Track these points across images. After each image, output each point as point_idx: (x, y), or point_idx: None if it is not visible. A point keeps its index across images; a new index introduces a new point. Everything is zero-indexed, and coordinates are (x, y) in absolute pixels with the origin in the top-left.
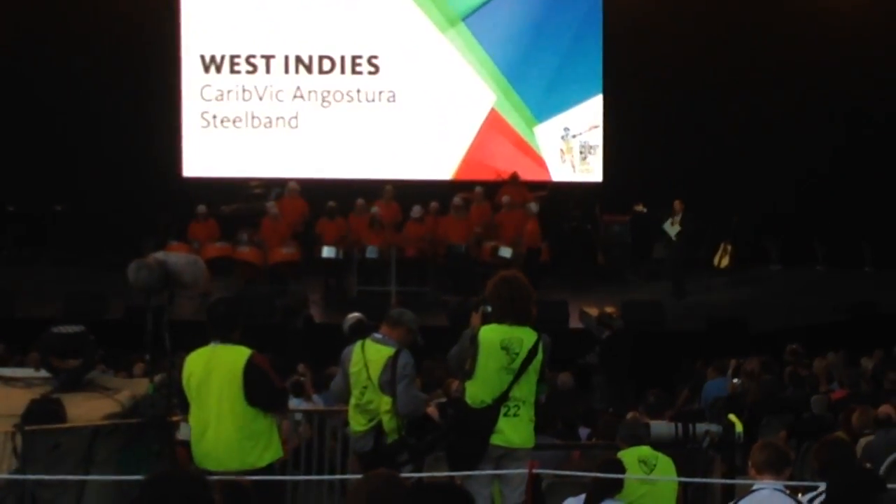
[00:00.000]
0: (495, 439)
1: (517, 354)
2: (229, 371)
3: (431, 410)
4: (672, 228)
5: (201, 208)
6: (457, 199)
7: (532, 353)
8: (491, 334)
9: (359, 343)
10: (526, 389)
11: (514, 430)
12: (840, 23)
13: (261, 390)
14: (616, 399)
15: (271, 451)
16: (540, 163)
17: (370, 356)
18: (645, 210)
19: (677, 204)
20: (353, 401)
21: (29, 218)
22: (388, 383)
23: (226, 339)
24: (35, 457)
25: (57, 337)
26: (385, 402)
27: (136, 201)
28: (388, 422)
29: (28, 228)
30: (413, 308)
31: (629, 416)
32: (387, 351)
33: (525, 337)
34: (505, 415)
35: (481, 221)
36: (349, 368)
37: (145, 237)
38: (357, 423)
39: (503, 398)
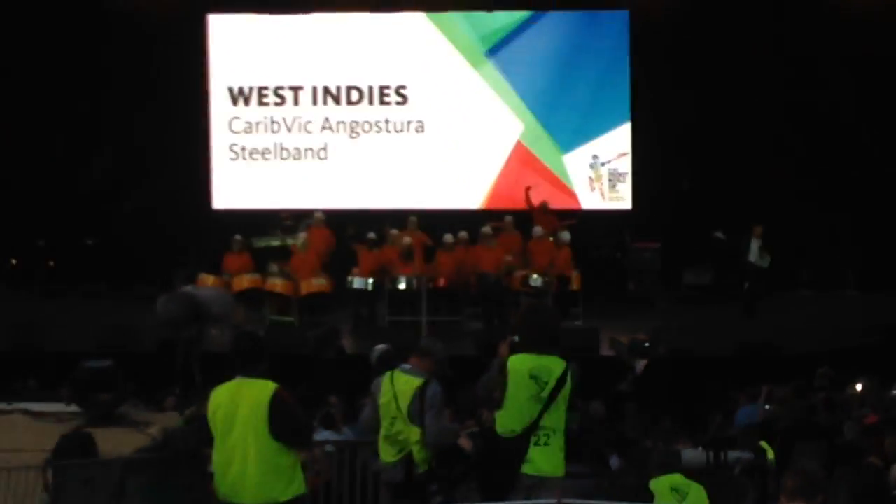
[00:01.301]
0: (526, 469)
1: (546, 383)
2: (255, 405)
3: (464, 442)
4: (762, 260)
5: (237, 238)
6: (486, 228)
7: (561, 381)
8: (520, 364)
9: (388, 374)
10: (556, 418)
11: (545, 459)
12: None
13: (286, 425)
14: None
15: (294, 486)
16: (569, 191)
17: (399, 387)
18: (723, 237)
19: (757, 229)
20: (382, 432)
21: (60, 252)
22: (418, 414)
23: (251, 373)
24: (66, 491)
25: (87, 371)
26: (414, 433)
27: (166, 234)
28: (417, 452)
29: (59, 262)
30: (444, 338)
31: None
32: (416, 382)
33: (554, 366)
34: (535, 444)
35: (512, 250)
36: (379, 399)
37: (176, 270)
38: (387, 455)
39: (533, 427)
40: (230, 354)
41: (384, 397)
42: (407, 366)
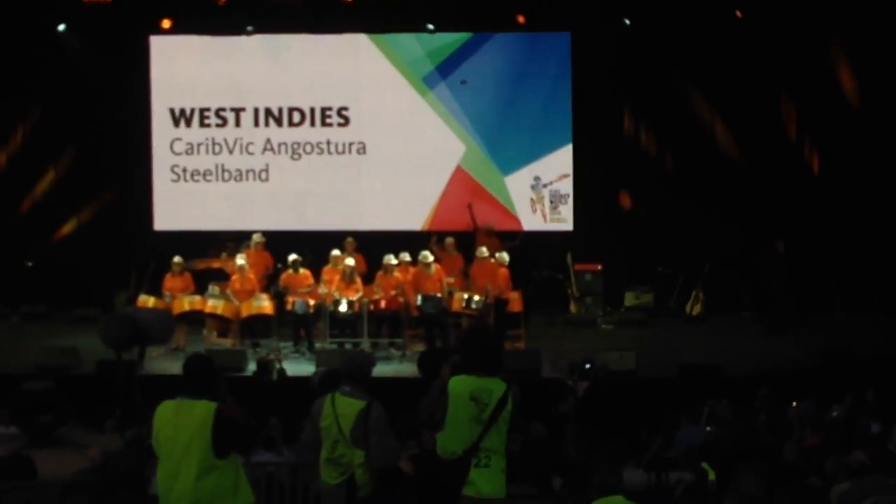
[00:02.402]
0: (467, 490)
1: (487, 405)
2: (198, 426)
3: (404, 464)
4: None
5: (177, 260)
6: (424, 253)
7: (502, 403)
8: (460, 385)
9: (329, 396)
10: (497, 440)
11: (486, 480)
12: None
13: (230, 442)
14: (590, 448)
15: (240, 499)
16: (510, 214)
17: (341, 409)
18: (783, 248)
19: (780, 246)
20: (324, 454)
21: None
22: (361, 437)
23: (193, 394)
24: None
25: (27, 393)
26: (358, 455)
27: (107, 255)
28: (360, 475)
29: None
30: (386, 360)
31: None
32: (358, 404)
33: (494, 387)
34: (476, 465)
35: (453, 272)
36: (319, 422)
37: (117, 291)
38: (329, 476)
39: (474, 449)
40: (181, 376)
41: (325, 420)
42: (346, 388)
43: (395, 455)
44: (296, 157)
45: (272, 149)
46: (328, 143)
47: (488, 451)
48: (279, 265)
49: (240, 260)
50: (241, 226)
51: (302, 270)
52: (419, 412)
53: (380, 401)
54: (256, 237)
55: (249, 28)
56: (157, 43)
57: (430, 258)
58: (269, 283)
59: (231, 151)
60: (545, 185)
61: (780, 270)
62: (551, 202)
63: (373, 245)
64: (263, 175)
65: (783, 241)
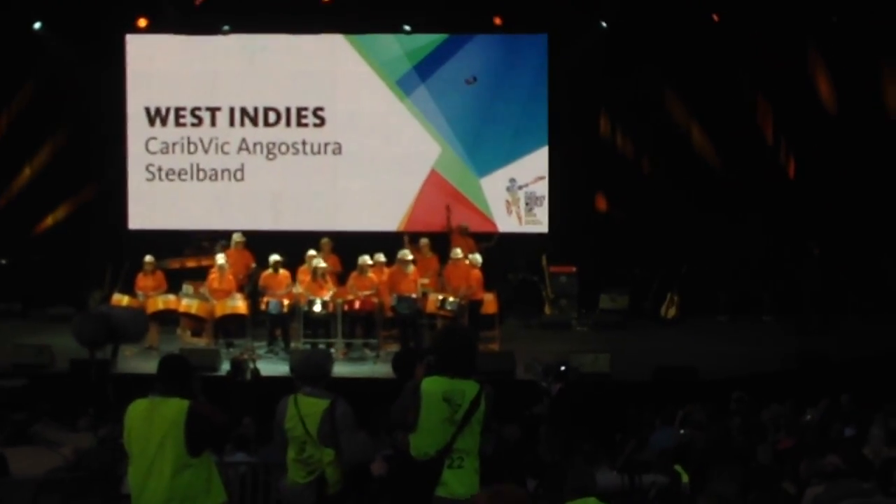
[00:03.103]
0: (440, 491)
1: (459, 406)
2: (171, 424)
3: (378, 465)
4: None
5: (148, 259)
6: (404, 252)
7: (475, 404)
8: (433, 386)
9: (291, 397)
10: (470, 441)
11: (459, 481)
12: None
13: (203, 439)
14: (563, 450)
15: (213, 497)
16: (485, 216)
17: (305, 410)
18: (818, 252)
19: (815, 249)
20: (292, 455)
21: None
22: (329, 435)
23: (168, 392)
24: None
25: (0, 391)
26: (328, 454)
27: (81, 254)
28: (331, 474)
29: None
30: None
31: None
32: (322, 403)
33: (467, 389)
34: (449, 466)
35: (428, 273)
36: (284, 424)
37: (91, 290)
38: (298, 476)
39: (447, 450)
40: (156, 374)
41: (289, 422)
42: (307, 388)
43: (368, 449)
44: (271, 157)
45: (247, 148)
46: (304, 143)
47: (461, 452)
48: (254, 265)
49: (220, 259)
50: (215, 225)
51: (282, 271)
52: (391, 415)
53: (352, 401)
54: (236, 237)
55: (226, 28)
56: (133, 41)
57: (410, 256)
58: (248, 282)
59: (206, 151)
60: (521, 187)
61: (814, 273)
62: (527, 204)
63: (348, 245)
64: (238, 175)
65: (817, 245)
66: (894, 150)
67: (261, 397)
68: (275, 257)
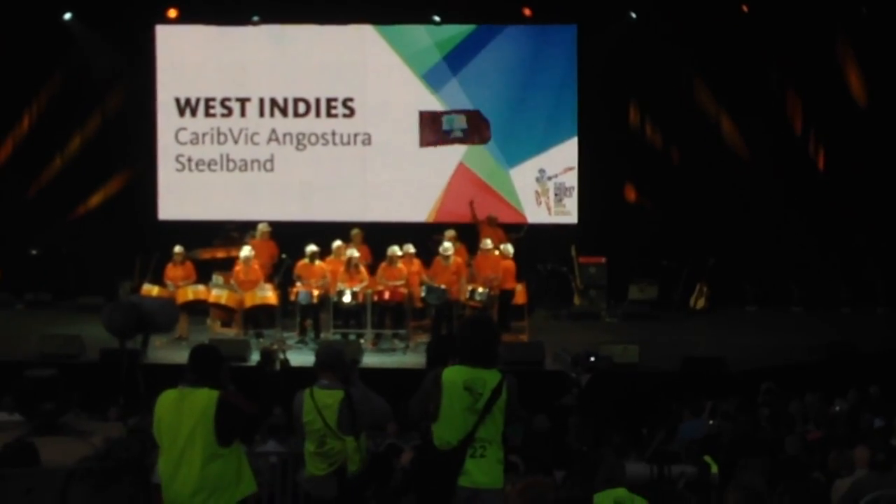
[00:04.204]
0: (463, 481)
1: (481, 395)
2: (201, 414)
3: (406, 456)
4: None
5: (178, 250)
6: (445, 245)
7: (496, 392)
8: (454, 375)
9: (306, 391)
10: (492, 430)
11: (481, 470)
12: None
13: (234, 429)
14: (592, 441)
15: (243, 486)
16: (513, 207)
17: (322, 402)
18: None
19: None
20: (311, 448)
21: (4, 261)
22: (349, 424)
23: (198, 382)
24: (8, 501)
25: (31, 380)
26: (350, 442)
27: (112, 244)
28: (354, 462)
29: (3, 272)
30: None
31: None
32: (338, 394)
33: (488, 377)
34: (472, 456)
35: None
36: (302, 418)
37: (121, 280)
38: (316, 469)
39: (469, 439)
40: (187, 364)
41: (308, 415)
42: (324, 381)
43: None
44: (301, 147)
45: (277, 139)
46: (333, 133)
47: (483, 442)
48: (283, 255)
49: (245, 252)
50: (245, 216)
51: (318, 263)
52: (410, 408)
53: (383, 392)
54: (262, 227)
55: (255, 18)
56: (163, 32)
57: (451, 251)
58: (274, 272)
59: (236, 141)
60: (550, 178)
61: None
62: (556, 195)
63: (377, 236)
64: (268, 165)
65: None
66: None
67: (290, 388)
68: (311, 248)
